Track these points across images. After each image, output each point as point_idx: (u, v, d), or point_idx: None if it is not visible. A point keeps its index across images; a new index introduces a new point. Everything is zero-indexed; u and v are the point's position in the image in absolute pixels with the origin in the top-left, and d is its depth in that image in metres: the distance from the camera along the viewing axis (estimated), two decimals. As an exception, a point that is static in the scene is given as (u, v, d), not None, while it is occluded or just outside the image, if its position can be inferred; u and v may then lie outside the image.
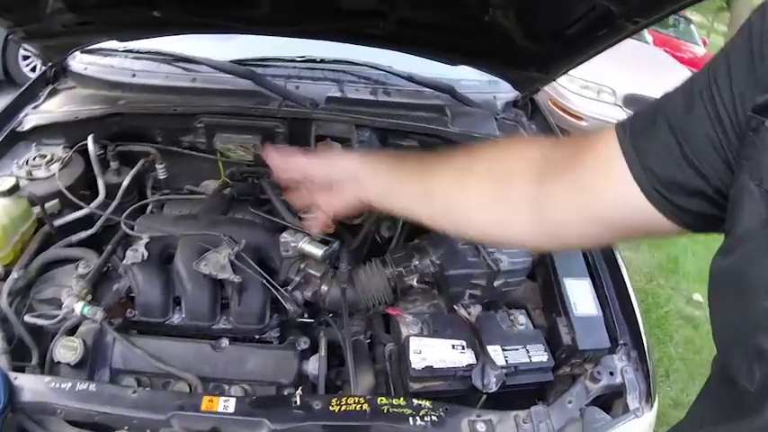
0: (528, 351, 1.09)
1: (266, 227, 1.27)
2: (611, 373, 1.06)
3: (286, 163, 0.84)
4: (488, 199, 0.65)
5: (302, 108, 1.38)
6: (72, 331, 1.08)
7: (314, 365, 1.12)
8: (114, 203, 1.30)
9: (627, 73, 4.76)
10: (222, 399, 0.89)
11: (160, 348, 1.09)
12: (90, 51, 1.58)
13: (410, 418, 0.89)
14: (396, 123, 1.38)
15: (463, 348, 1.06)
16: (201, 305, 1.14)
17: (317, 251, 1.18)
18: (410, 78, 1.52)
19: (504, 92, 1.66)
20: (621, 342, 1.11)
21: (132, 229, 1.22)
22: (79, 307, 1.04)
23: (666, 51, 6.50)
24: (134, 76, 1.49)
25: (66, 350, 1.01)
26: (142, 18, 1.31)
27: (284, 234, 1.21)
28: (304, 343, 1.17)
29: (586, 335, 1.11)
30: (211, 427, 0.85)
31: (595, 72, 4.52)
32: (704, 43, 9.05)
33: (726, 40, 12.56)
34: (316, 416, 0.88)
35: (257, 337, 1.19)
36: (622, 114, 4.48)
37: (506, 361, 1.06)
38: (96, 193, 1.31)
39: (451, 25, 1.28)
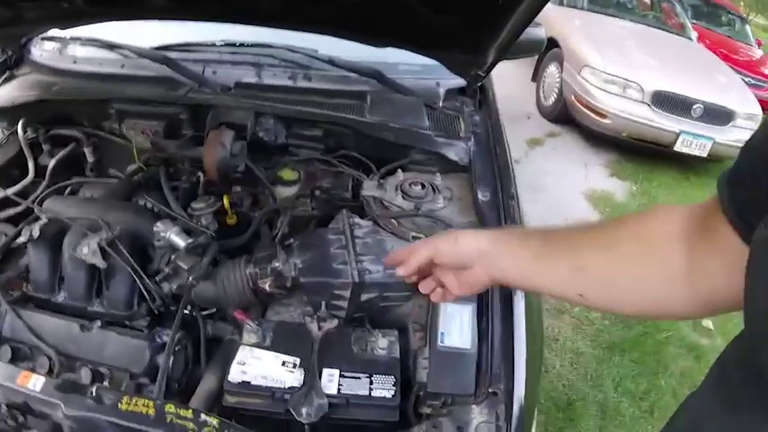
0: (372, 382, 0.96)
1: (153, 215, 1.24)
2: (460, 428, 0.90)
3: (410, 254, 0.82)
4: (640, 278, 0.65)
5: (205, 95, 1.33)
6: None
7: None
8: (44, 183, 1.36)
9: (659, 69, 4.27)
10: (35, 376, 0.89)
11: (40, 322, 1.11)
12: (50, 39, 1.63)
13: None
14: (298, 111, 1.29)
15: (294, 367, 0.97)
16: (78, 287, 1.15)
17: (181, 242, 1.14)
18: (331, 62, 1.42)
19: (448, 78, 1.50)
20: (490, 390, 0.93)
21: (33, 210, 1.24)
22: None
23: (721, 52, 5.85)
24: (75, 62, 1.55)
25: None
26: (54, 8, 1.34)
27: (158, 224, 1.17)
28: (166, 336, 1.13)
29: (445, 375, 0.94)
30: (23, 401, 0.86)
31: (623, 66, 4.11)
32: (758, 44, 7.84)
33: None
34: (103, 410, 0.85)
35: (127, 323, 1.17)
36: (650, 113, 4.05)
37: (339, 390, 0.95)
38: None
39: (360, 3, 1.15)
